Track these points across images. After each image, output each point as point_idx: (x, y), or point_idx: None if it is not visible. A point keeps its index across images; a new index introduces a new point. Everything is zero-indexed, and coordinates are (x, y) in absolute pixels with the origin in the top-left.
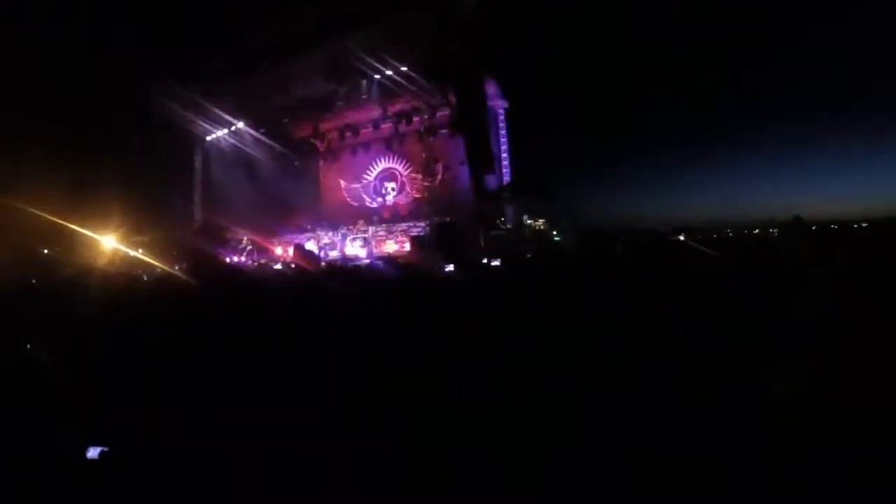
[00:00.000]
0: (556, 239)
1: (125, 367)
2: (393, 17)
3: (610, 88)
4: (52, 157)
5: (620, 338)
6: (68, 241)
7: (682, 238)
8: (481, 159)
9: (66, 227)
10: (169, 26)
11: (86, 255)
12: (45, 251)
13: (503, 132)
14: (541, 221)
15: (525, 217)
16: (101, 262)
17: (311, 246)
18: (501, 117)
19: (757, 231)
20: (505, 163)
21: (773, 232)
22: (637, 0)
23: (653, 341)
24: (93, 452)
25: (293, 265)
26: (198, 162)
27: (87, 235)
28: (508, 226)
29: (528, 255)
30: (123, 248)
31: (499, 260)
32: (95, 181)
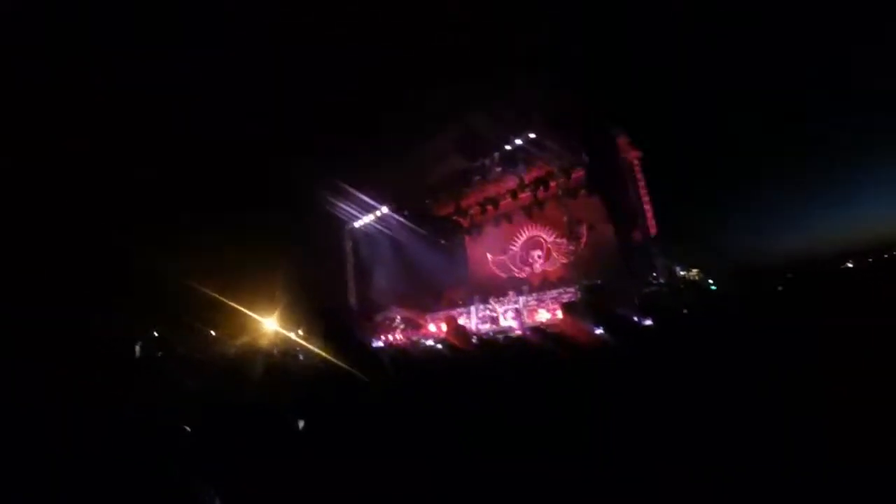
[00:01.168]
0: (713, 287)
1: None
2: (520, 90)
3: (746, 122)
4: (219, 244)
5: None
6: (232, 321)
7: (850, 265)
8: (623, 215)
9: (231, 307)
10: (313, 124)
11: (248, 334)
12: (212, 332)
13: (641, 183)
14: (694, 271)
15: (677, 268)
16: (262, 341)
17: (463, 321)
18: (637, 168)
19: None
20: (648, 214)
21: None
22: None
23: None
24: None
25: (445, 341)
26: (348, 247)
27: (249, 316)
28: (661, 280)
29: (685, 311)
30: (283, 330)
31: (650, 318)
32: (257, 267)
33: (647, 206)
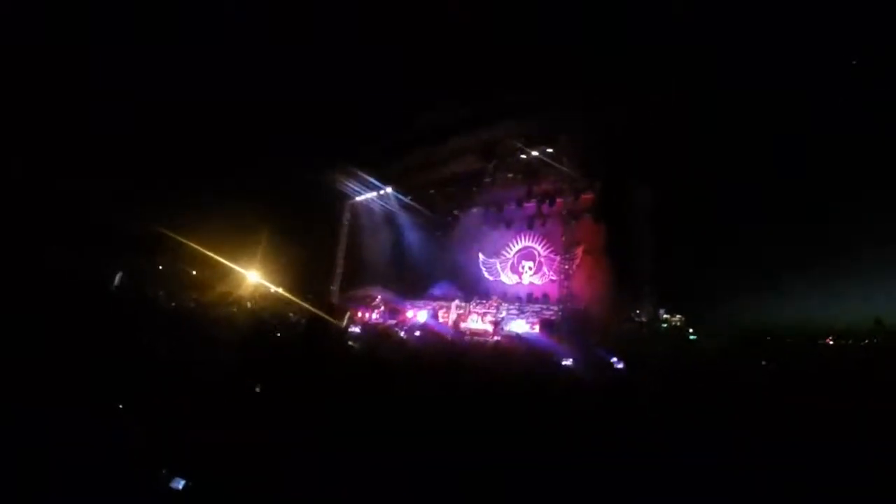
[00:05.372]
0: (692, 337)
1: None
2: (551, 115)
3: (768, 188)
4: (216, 199)
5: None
6: (219, 270)
7: (831, 342)
8: (622, 248)
9: (215, 258)
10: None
11: (230, 283)
12: (193, 272)
13: (647, 223)
14: (677, 317)
15: (661, 311)
16: (241, 291)
17: (442, 315)
18: (647, 208)
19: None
20: (648, 253)
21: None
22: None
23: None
24: (176, 484)
25: (418, 332)
26: (346, 218)
27: (233, 268)
28: (643, 319)
29: (658, 361)
30: (265, 284)
31: (623, 363)
32: (253, 224)
33: (649, 246)
